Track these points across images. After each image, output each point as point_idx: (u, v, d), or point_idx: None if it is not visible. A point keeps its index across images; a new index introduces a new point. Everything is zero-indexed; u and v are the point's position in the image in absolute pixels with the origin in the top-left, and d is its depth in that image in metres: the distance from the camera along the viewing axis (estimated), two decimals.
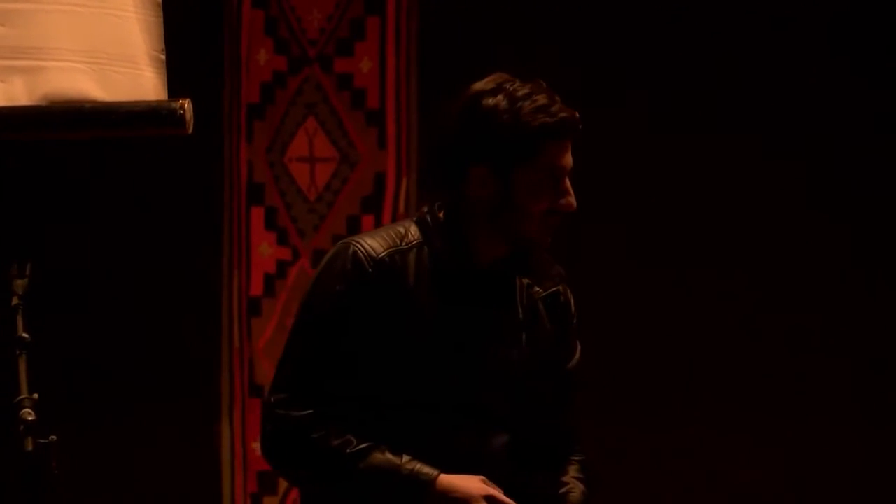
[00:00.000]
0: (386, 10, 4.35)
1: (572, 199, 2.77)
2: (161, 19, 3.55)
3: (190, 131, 3.26)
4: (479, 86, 2.78)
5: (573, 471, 2.92)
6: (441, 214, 2.77)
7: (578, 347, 3.00)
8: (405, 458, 2.70)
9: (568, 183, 2.78)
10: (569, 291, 2.98)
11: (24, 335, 2.65)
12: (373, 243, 2.71)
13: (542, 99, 2.74)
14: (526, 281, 2.85)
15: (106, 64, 3.50)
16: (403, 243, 2.75)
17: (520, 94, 2.73)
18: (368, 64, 4.35)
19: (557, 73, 4.96)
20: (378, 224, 4.28)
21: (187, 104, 3.26)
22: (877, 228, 5.29)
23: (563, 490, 2.86)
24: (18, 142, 4.35)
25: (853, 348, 5.65)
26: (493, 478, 2.77)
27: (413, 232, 2.76)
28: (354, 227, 4.17)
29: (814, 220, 5.32)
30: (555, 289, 2.92)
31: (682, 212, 5.26)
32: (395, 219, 4.32)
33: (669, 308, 5.20)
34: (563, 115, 2.73)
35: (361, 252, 2.70)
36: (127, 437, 4.61)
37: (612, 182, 5.08)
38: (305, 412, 2.71)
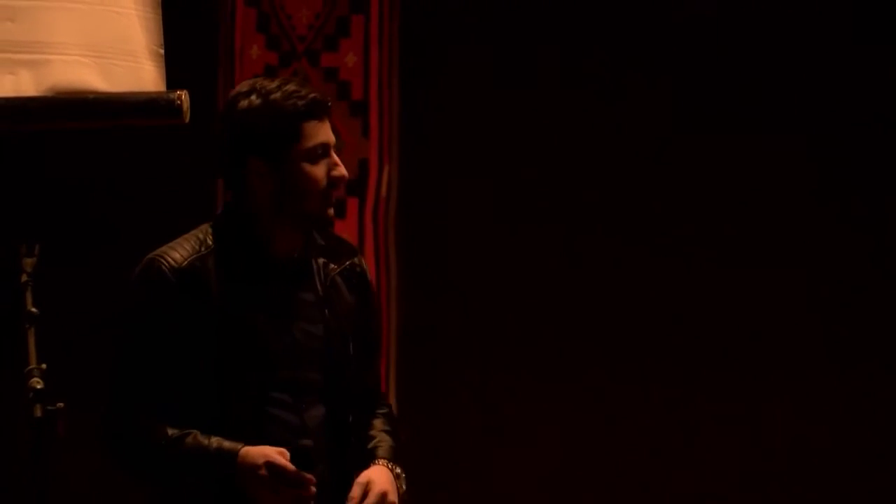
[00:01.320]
0: (370, 9, 4.69)
1: (342, 169, 2.99)
2: (160, 16, 3.86)
3: (187, 121, 3.58)
4: (234, 91, 3.07)
5: (379, 424, 3.12)
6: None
7: (378, 312, 3.15)
8: (213, 438, 2.90)
9: (335, 155, 2.99)
10: (363, 261, 3.20)
11: (33, 310, 2.93)
12: (174, 254, 2.96)
13: (291, 87, 2.98)
14: (322, 260, 3.07)
15: (108, 57, 3.82)
16: (203, 249, 2.99)
17: (270, 87, 2.98)
18: (353, 59, 4.69)
19: (535, 69, 5.32)
20: (362, 207, 4.62)
21: (184, 95, 3.60)
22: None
23: (370, 445, 3.07)
24: (26, 130, 4.72)
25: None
26: (315, 449, 2.98)
27: (210, 237, 3.01)
28: (339, 210, 4.48)
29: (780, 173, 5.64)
30: (349, 262, 3.14)
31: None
32: (377, 202, 4.64)
33: (626, 259, 5.49)
34: (312, 95, 2.96)
35: (165, 264, 2.94)
36: None
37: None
38: (132, 418, 2.96)
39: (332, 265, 3.09)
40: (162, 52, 3.80)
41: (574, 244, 5.46)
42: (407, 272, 4.97)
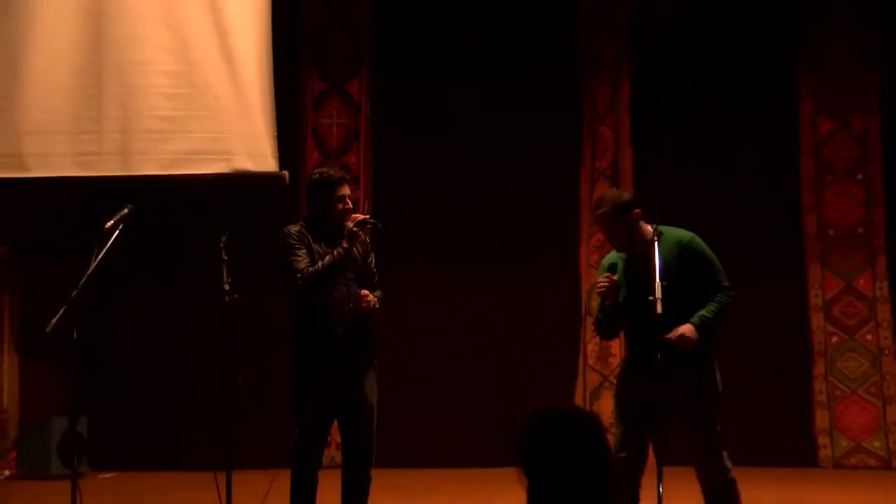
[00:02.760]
0: (360, 138, 10.97)
1: (349, 206, 6.91)
2: (275, 140, 9.87)
3: (287, 183, 9.57)
4: (310, 174, 7.15)
5: (377, 293, 7.02)
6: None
7: (373, 255, 7.09)
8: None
9: (348, 200, 6.91)
10: (367, 239, 7.17)
11: (225, 257, 7.06)
12: (292, 227, 6.86)
13: (331, 171, 7.06)
14: (349, 234, 6.91)
15: (255, 157, 9.96)
16: (301, 227, 6.85)
17: (323, 171, 7.07)
18: (353, 158, 11.04)
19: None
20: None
21: (286, 173, 9.67)
22: None
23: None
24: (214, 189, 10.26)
25: None
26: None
27: (303, 224, 6.86)
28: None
29: None
30: (362, 237, 7.01)
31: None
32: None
33: None
34: (338, 174, 7.01)
35: (291, 228, 6.86)
36: None
37: None
38: (306, 266, 6.73)
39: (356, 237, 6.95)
40: (276, 154, 9.83)
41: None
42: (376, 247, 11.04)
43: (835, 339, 11.19)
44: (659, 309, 6.46)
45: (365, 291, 6.94)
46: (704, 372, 6.60)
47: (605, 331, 7.07)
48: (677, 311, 6.52)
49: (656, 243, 6.63)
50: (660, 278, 6.52)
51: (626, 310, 6.75)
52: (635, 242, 6.77)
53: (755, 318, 11.15)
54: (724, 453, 6.53)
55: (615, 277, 6.74)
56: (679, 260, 6.67)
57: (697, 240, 6.72)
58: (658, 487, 6.33)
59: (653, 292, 6.50)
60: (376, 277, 7.25)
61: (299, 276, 6.80)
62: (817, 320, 11.23)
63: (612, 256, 6.91)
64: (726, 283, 6.67)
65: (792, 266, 11.25)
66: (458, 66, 11.37)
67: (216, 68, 10.01)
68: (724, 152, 11.23)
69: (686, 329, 6.52)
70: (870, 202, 11.18)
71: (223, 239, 7.01)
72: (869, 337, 11.12)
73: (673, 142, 11.23)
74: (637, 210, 6.79)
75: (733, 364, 10.85)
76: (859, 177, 11.25)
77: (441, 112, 11.39)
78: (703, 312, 6.59)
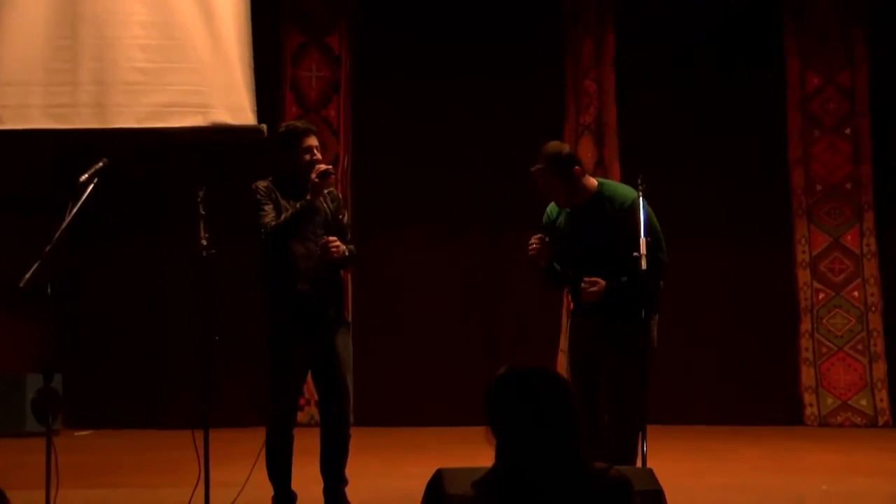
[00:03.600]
0: (340, 91, 10.89)
1: (314, 158, 6.88)
2: (254, 93, 9.86)
3: (265, 137, 9.51)
4: (281, 125, 7.28)
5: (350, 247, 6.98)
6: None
7: (345, 211, 7.07)
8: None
9: (316, 152, 6.89)
10: (338, 193, 7.22)
11: (203, 212, 6.75)
12: (261, 182, 6.88)
13: (299, 123, 7.20)
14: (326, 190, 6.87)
15: (233, 110, 9.92)
16: (270, 182, 6.85)
17: (290, 123, 7.37)
18: (333, 112, 10.94)
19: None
20: (337, 171, 10.65)
21: (265, 126, 9.70)
22: None
23: None
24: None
25: None
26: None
27: (272, 181, 6.88)
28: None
29: None
30: (329, 190, 6.96)
31: None
32: (342, 172, 10.83)
33: None
34: (305, 126, 7.03)
35: (260, 183, 6.94)
36: None
37: None
38: (272, 219, 6.70)
39: (325, 192, 6.89)
40: (255, 108, 9.81)
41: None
42: (355, 196, 11.26)
43: (821, 295, 11.24)
44: (644, 265, 6.43)
45: (333, 238, 6.89)
46: (633, 326, 6.54)
47: (550, 286, 7.14)
48: (602, 270, 6.60)
49: (641, 200, 6.61)
50: (644, 234, 6.50)
51: (569, 261, 6.78)
52: (577, 196, 6.75)
53: (741, 275, 11.24)
54: (639, 409, 6.49)
55: (546, 239, 6.73)
56: (619, 219, 6.63)
57: (640, 201, 6.64)
58: (642, 445, 6.33)
59: (638, 248, 6.47)
60: (349, 234, 7.20)
61: (263, 230, 6.81)
62: (804, 277, 11.27)
63: (554, 207, 6.91)
64: (662, 255, 6.61)
65: (778, 222, 11.27)
66: (441, 20, 11.38)
67: (194, 21, 9.99)
68: (710, 108, 11.24)
69: (599, 287, 6.58)
70: (857, 157, 11.22)
71: (200, 194, 6.93)
72: (856, 293, 11.16)
73: (658, 98, 11.19)
74: (577, 168, 6.75)
75: (719, 321, 11.11)
76: (847, 131, 11.26)
77: (423, 66, 11.43)
78: (626, 280, 6.55)
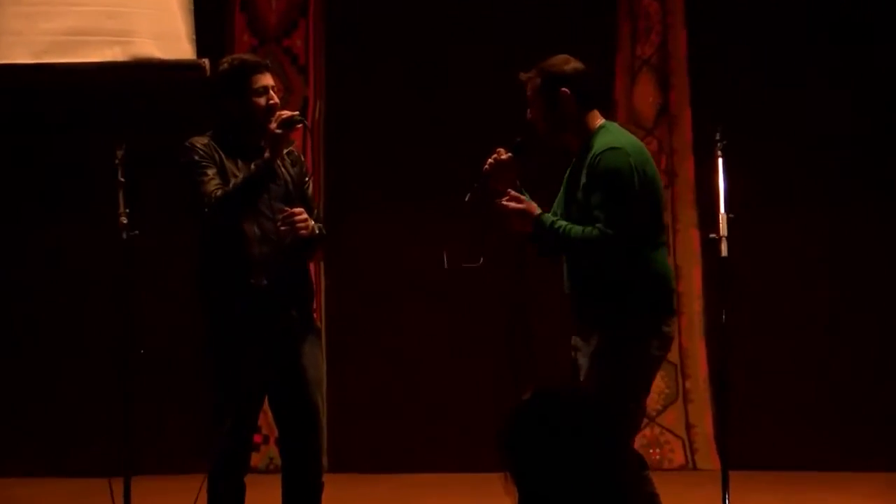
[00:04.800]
0: (308, 14, 10.96)
1: (271, 101, 6.94)
2: (192, 16, 9.92)
3: (208, 76, 9.52)
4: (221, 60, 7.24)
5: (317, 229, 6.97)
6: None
7: (309, 177, 7.17)
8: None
9: (272, 94, 6.97)
10: (301, 154, 7.17)
11: (122, 179, 7.70)
12: (199, 138, 6.94)
13: (246, 56, 7.54)
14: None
15: (164, 40, 9.94)
16: (209, 138, 6.87)
17: (236, 56, 7.38)
18: (299, 42, 10.98)
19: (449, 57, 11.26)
20: (305, 124, 10.65)
21: (207, 62, 9.71)
22: None
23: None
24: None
25: None
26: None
27: (210, 135, 6.94)
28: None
29: None
30: (289, 150, 7.01)
31: None
32: (314, 121, 10.91)
33: None
34: (255, 59, 7.23)
35: (190, 142, 6.87)
36: None
37: None
38: (215, 189, 6.73)
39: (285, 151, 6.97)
40: (194, 37, 9.84)
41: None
42: (328, 156, 11.29)
43: None
44: (724, 252, 6.48)
45: (299, 209, 6.93)
46: (611, 331, 6.69)
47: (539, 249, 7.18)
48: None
49: (719, 158, 6.65)
50: (723, 210, 6.55)
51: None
52: (569, 136, 6.91)
53: (849, 265, 11.25)
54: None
55: (503, 156, 6.95)
56: (588, 178, 6.78)
57: (610, 157, 6.74)
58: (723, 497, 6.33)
59: (717, 227, 6.52)
60: (316, 209, 7.29)
61: (205, 203, 6.84)
62: None
63: None
64: (605, 229, 6.66)
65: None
66: None
67: None
68: (801, 44, 11.22)
69: (524, 207, 6.79)
70: None
71: (119, 154, 7.16)
72: None
73: (742, 22, 11.20)
74: (565, 88, 6.83)
75: (812, 328, 11.05)
76: None
77: None
78: (563, 223, 6.74)
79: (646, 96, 11.16)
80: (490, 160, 6.93)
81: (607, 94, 11.22)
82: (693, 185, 11.09)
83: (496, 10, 11.29)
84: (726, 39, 11.24)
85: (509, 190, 6.84)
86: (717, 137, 6.82)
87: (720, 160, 6.66)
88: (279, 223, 6.92)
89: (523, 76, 6.93)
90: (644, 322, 6.72)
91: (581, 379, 6.72)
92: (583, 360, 6.77)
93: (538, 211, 6.79)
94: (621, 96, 11.32)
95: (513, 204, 6.78)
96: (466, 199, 6.85)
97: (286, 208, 6.95)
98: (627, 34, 11.38)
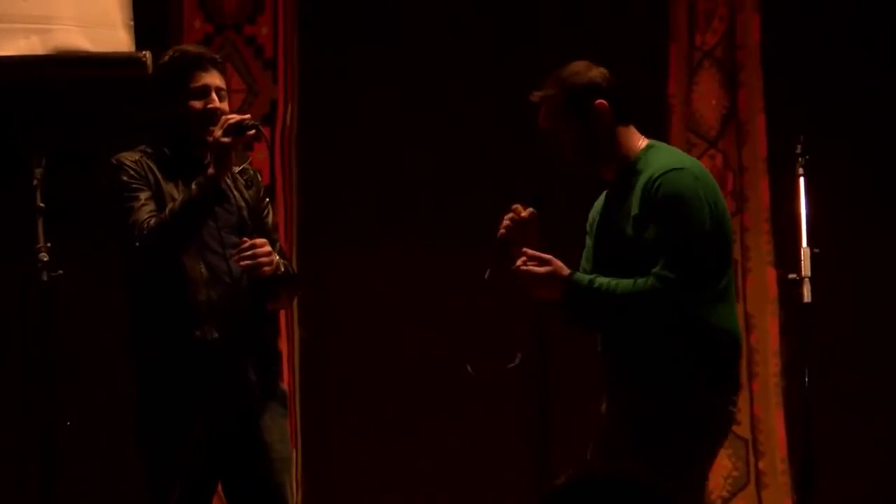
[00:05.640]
0: None
1: (210, 105, 6.99)
2: None
3: (150, 72, 9.39)
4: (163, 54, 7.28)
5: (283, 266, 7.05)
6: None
7: (268, 201, 7.21)
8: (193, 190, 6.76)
9: (213, 97, 7.02)
10: (257, 173, 7.23)
11: (41, 204, 7.18)
12: (129, 154, 6.97)
13: (187, 48, 7.42)
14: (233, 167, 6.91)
15: (93, 27, 10.02)
16: (146, 151, 6.92)
17: (179, 49, 7.30)
18: (266, 29, 10.94)
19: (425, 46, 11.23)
20: (273, 132, 10.63)
21: (148, 55, 9.73)
22: None
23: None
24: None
25: None
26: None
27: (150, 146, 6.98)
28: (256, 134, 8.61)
29: None
30: (242, 167, 7.09)
31: None
32: (283, 128, 10.86)
33: None
34: (199, 52, 7.18)
35: (118, 159, 6.91)
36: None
37: None
38: (148, 217, 6.74)
39: (235, 169, 6.96)
40: (132, 24, 9.82)
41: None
42: (303, 174, 11.18)
43: None
44: (807, 296, 6.47)
45: (261, 240, 6.95)
46: (659, 401, 6.73)
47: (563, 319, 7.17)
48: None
49: (801, 177, 6.64)
50: (806, 243, 6.55)
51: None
52: (602, 158, 6.92)
53: None
54: None
55: (529, 211, 6.92)
56: (642, 208, 6.77)
57: (673, 179, 6.74)
58: None
59: (797, 266, 6.51)
60: (279, 241, 7.34)
61: (135, 235, 6.85)
62: None
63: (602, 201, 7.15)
64: (668, 273, 6.66)
65: None
66: None
67: None
68: None
69: (551, 269, 6.77)
70: None
71: (38, 172, 7.19)
72: None
73: (833, 4, 11.18)
74: (601, 100, 6.84)
75: None
76: None
77: None
78: (604, 279, 6.74)
79: (708, 98, 11.07)
80: (506, 222, 6.93)
81: (660, 96, 11.18)
82: (768, 211, 10.98)
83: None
84: (812, 26, 11.19)
85: (525, 249, 6.81)
86: (799, 151, 6.81)
87: (802, 180, 6.61)
88: (235, 258, 6.94)
89: (536, 96, 6.89)
90: (701, 395, 6.72)
91: (614, 456, 6.73)
92: (616, 434, 6.80)
93: (567, 271, 6.77)
94: (677, 99, 11.26)
95: (535, 267, 6.77)
96: (485, 276, 6.80)
97: (245, 238, 6.96)
98: (684, 20, 11.35)
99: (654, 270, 6.58)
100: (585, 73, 6.88)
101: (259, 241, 6.96)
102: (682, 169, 6.70)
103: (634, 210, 6.71)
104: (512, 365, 6.69)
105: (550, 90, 6.85)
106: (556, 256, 6.82)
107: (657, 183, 6.66)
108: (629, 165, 6.81)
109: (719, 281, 6.76)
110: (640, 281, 6.60)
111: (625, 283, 6.61)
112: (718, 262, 6.75)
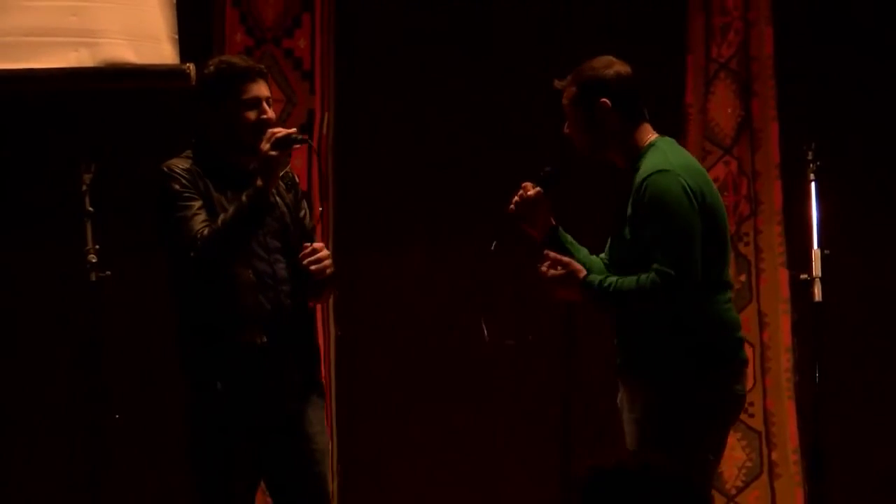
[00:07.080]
0: (314, 9, 10.97)
1: (263, 115, 7.02)
2: (175, 12, 9.90)
3: (193, 84, 9.35)
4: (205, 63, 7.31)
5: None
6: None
7: (305, 206, 7.13)
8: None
9: (265, 107, 7.03)
10: (294, 175, 7.19)
11: (90, 209, 7.61)
12: (179, 161, 6.84)
13: (234, 59, 7.31)
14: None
15: (140, 41, 9.96)
16: (191, 159, 6.85)
17: (223, 59, 7.26)
18: (303, 42, 11.00)
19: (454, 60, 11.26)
20: (310, 139, 10.58)
21: (192, 66, 9.70)
22: None
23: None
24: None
25: None
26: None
27: (192, 151, 6.91)
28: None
29: None
30: (285, 171, 6.99)
31: None
32: (321, 138, 10.90)
33: None
34: (246, 64, 7.16)
35: (169, 166, 6.85)
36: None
37: None
38: (201, 229, 6.67)
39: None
40: (176, 37, 9.87)
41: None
42: (340, 183, 11.17)
43: None
44: (817, 296, 6.48)
45: (320, 244, 6.98)
46: (662, 388, 6.81)
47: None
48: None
49: (812, 182, 6.67)
50: (817, 244, 6.56)
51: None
52: (614, 151, 7.05)
53: None
54: None
55: (529, 192, 7.09)
56: (633, 209, 6.90)
57: (657, 181, 6.83)
58: None
59: (809, 266, 6.53)
60: (316, 241, 7.25)
61: (190, 245, 6.77)
62: None
63: None
64: (664, 268, 6.76)
65: None
66: None
67: None
68: None
69: (568, 272, 6.85)
70: None
71: (87, 179, 7.30)
72: None
73: (841, 19, 11.20)
74: (604, 99, 6.93)
75: None
76: None
77: None
78: (612, 279, 6.85)
79: (723, 107, 11.05)
80: (515, 198, 7.06)
81: (677, 104, 11.17)
82: (780, 214, 10.95)
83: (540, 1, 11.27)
84: (821, 39, 11.19)
85: (548, 252, 6.92)
86: (810, 157, 6.83)
87: (813, 185, 6.63)
88: (305, 262, 6.93)
89: (558, 84, 7.00)
90: (707, 379, 6.81)
91: (629, 446, 6.83)
92: (629, 424, 6.87)
93: (583, 273, 6.89)
94: (694, 108, 11.25)
95: (552, 271, 6.87)
96: (492, 247, 6.86)
97: (307, 244, 7.01)
98: (700, 32, 11.34)
99: (653, 266, 6.73)
100: (600, 70, 7.01)
101: (318, 245, 7.00)
102: (666, 171, 6.81)
103: (629, 211, 6.87)
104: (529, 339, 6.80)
105: (568, 80, 7.02)
106: (582, 235, 6.91)
107: (644, 185, 6.81)
108: (635, 161, 6.96)
109: (716, 269, 6.89)
110: (642, 277, 6.75)
111: (628, 282, 6.77)
112: (712, 252, 6.86)
